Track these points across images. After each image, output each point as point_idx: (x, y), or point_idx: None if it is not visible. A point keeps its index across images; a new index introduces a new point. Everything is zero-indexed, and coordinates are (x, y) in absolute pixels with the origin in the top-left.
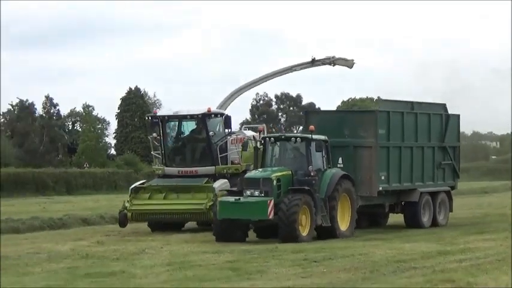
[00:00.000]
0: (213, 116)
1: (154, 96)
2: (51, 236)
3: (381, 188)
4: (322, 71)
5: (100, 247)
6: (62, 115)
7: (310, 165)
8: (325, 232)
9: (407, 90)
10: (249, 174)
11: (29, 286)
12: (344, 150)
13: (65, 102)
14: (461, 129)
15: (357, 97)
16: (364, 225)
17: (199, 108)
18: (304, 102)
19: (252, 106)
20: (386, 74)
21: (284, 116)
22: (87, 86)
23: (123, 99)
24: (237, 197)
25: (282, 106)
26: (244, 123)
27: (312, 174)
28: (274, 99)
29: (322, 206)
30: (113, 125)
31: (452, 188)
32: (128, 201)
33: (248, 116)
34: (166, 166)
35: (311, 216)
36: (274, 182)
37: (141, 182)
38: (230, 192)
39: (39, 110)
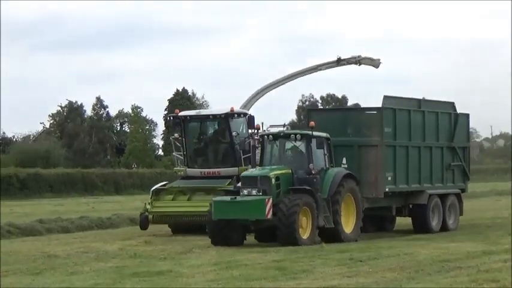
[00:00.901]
0: (236, 116)
1: (203, 97)
2: (99, 236)
3: (387, 189)
4: (368, 72)
5: (148, 246)
6: (110, 116)
7: (310, 163)
8: (329, 234)
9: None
10: (245, 173)
11: (78, 285)
12: (348, 150)
13: (112, 103)
14: None
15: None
16: (370, 230)
17: (222, 108)
18: (349, 103)
19: (298, 107)
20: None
21: None
22: (135, 87)
23: (171, 101)
24: (233, 196)
25: (327, 107)
26: (290, 124)
27: (313, 172)
28: (320, 101)
29: (324, 207)
30: (161, 126)
31: (463, 190)
32: (149, 203)
33: (294, 117)
34: (189, 167)
35: (312, 218)
36: (273, 180)
37: (163, 183)
38: (227, 192)
39: (89, 111)
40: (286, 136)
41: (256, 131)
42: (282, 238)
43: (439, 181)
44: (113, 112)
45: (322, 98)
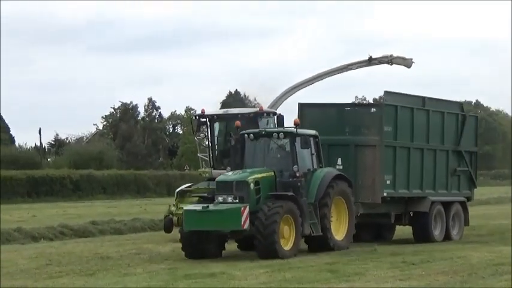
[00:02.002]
0: (265, 115)
1: (255, 99)
2: (152, 237)
3: (385, 194)
4: (427, 74)
5: None
6: (162, 117)
7: (295, 164)
8: (316, 242)
9: None
10: (220, 177)
11: (131, 286)
12: (344, 150)
13: (165, 105)
14: None
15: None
16: (366, 238)
17: (250, 108)
18: None
19: None
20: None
21: None
22: (188, 89)
23: (223, 103)
24: (206, 205)
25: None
26: None
27: (297, 175)
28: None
29: (311, 213)
30: None
31: (469, 198)
32: (173, 205)
33: None
34: (214, 168)
35: (296, 227)
36: (252, 185)
37: (188, 185)
38: (204, 199)
39: (142, 112)
40: (268, 135)
41: (236, 129)
42: (260, 250)
43: (443, 187)
44: (165, 114)
45: (374, 99)
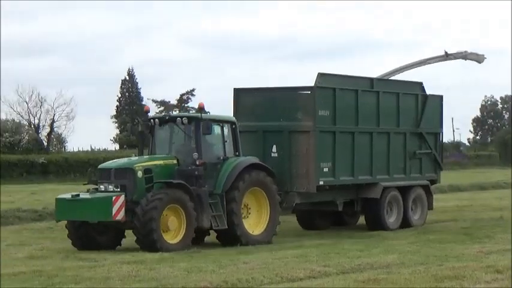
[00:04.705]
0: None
1: None
2: None
3: (321, 183)
4: None
5: None
6: None
7: (195, 152)
8: (227, 237)
9: None
10: (102, 164)
11: None
12: (278, 137)
13: None
14: None
15: None
16: (321, 226)
17: None
18: None
19: (482, 106)
20: None
21: (507, 113)
22: None
23: None
24: (76, 194)
25: (505, 106)
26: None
27: (197, 163)
28: (499, 100)
29: (217, 204)
30: None
31: (434, 181)
32: None
33: (478, 113)
34: None
35: (187, 218)
36: (139, 173)
37: None
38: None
39: None
40: (172, 120)
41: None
42: (139, 241)
43: (400, 172)
44: None
45: (501, 98)
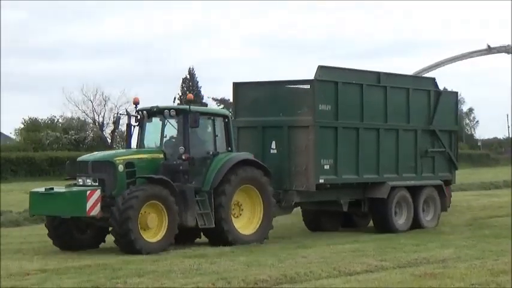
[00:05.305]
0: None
1: None
2: None
3: (322, 181)
4: None
5: None
6: None
7: (180, 146)
8: (214, 234)
9: None
10: (81, 157)
11: None
12: (277, 132)
13: None
14: None
15: None
16: (330, 227)
17: None
18: None
19: None
20: None
21: None
22: None
23: None
24: (50, 187)
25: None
26: None
27: (183, 158)
28: None
29: (204, 202)
30: None
31: (447, 182)
32: None
33: None
34: None
35: (169, 215)
36: (120, 167)
37: None
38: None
39: None
40: (160, 112)
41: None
42: (117, 242)
43: (410, 171)
44: None
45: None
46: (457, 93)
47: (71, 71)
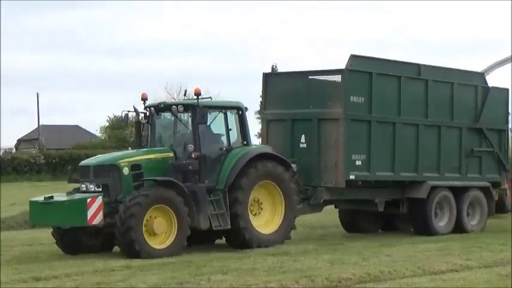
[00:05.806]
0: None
1: None
2: None
3: (352, 177)
4: None
5: None
6: None
7: (190, 144)
8: (236, 241)
9: None
10: (84, 161)
11: None
12: (307, 125)
13: None
14: None
15: None
16: (368, 229)
17: None
18: None
19: None
20: None
21: None
22: None
23: None
24: (49, 196)
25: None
26: None
27: (192, 156)
28: None
29: (219, 201)
30: None
31: (495, 184)
32: None
33: None
34: None
35: (178, 220)
36: (125, 170)
37: None
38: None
39: None
40: (168, 108)
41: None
42: (123, 251)
43: (453, 171)
44: None
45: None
46: (507, 89)
47: (155, 68)
